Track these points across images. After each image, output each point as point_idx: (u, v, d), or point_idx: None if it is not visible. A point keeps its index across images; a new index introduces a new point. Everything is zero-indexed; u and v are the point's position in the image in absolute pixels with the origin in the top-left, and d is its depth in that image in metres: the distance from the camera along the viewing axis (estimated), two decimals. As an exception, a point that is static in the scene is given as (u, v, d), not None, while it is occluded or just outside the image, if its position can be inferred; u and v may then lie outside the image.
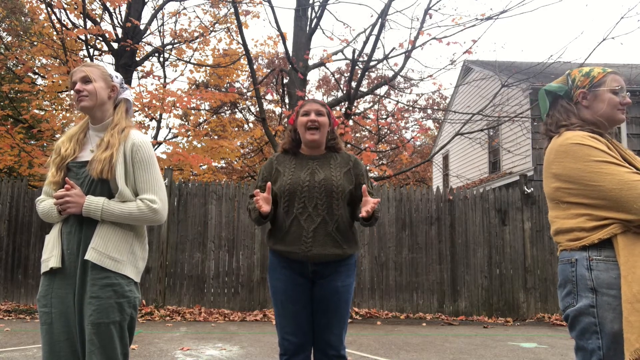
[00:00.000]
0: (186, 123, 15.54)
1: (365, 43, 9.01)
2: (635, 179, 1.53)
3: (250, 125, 17.73)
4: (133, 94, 9.79)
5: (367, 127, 16.24)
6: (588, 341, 1.59)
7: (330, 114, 2.40)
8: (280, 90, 12.23)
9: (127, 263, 1.86)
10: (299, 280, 2.28)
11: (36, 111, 12.66)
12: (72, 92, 1.95)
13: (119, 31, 10.15)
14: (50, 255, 1.85)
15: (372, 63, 9.25)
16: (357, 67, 9.24)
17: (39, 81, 12.42)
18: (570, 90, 1.81)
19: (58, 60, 11.00)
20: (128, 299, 1.84)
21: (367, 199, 2.18)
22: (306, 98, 9.67)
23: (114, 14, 10.20)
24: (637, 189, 1.51)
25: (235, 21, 9.51)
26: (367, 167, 8.50)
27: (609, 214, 1.56)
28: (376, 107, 15.97)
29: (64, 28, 8.75)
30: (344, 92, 9.58)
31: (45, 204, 1.94)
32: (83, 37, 9.35)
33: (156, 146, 10.66)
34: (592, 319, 1.57)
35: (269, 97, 14.09)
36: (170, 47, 11.49)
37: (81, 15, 8.62)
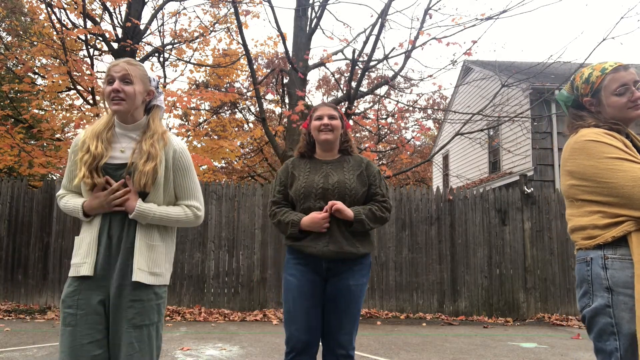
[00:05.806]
0: (186, 123, 15.53)
1: (365, 43, 9.01)
2: None
3: (250, 125, 17.73)
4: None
5: (367, 127, 16.23)
6: (606, 342, 1.54)
7: (342, 118, 2.47)
8: (280, 90, 12.24)
9: (167, 272, 1.93)
10: (313, 276, 2.32)
11: (36, 111, 12.64)
12: (106, 86, 1.83)
13: (119, 31, 10.14)
14: (84, 262, 1.79)
15: (372, 63, 9.25)
16: (357, 67, 9.23)
17: (39, 81, 12.42)
18: (577, 99, 1.79)
19: (58, 60, 10.99)
20: (163, 300, 1.88)
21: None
22: (306, 98, 9.68)
23: (114, 13, 10.20)
24: None
25: (235, 21, 9.51)
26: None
27: (622, 211, 1.52)
28: (376, 107, 15.98)
29: (64, 28, 8.73)
30: (344, 92, 9.58)
31: (70, 204, 1.87)
32: (83, 37, 9.33)
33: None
34: (608, 319, 1.53)
35: (269, 97, 14.10)
36: (170, 47, 11.48)
37: (81, 15, 8.60)
